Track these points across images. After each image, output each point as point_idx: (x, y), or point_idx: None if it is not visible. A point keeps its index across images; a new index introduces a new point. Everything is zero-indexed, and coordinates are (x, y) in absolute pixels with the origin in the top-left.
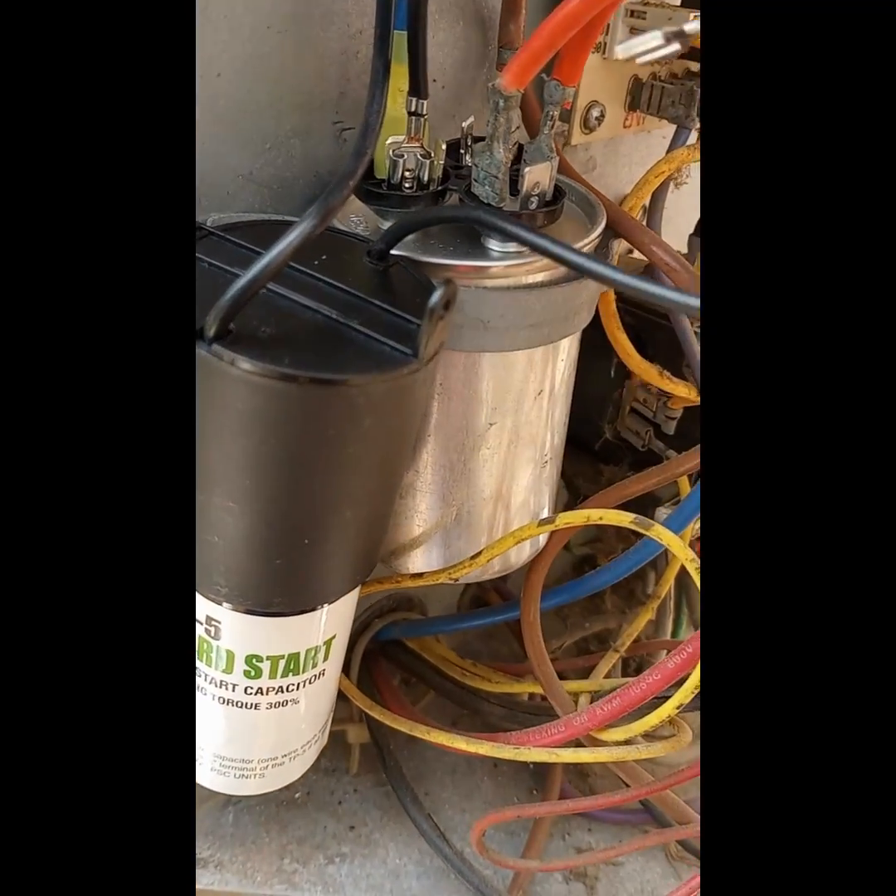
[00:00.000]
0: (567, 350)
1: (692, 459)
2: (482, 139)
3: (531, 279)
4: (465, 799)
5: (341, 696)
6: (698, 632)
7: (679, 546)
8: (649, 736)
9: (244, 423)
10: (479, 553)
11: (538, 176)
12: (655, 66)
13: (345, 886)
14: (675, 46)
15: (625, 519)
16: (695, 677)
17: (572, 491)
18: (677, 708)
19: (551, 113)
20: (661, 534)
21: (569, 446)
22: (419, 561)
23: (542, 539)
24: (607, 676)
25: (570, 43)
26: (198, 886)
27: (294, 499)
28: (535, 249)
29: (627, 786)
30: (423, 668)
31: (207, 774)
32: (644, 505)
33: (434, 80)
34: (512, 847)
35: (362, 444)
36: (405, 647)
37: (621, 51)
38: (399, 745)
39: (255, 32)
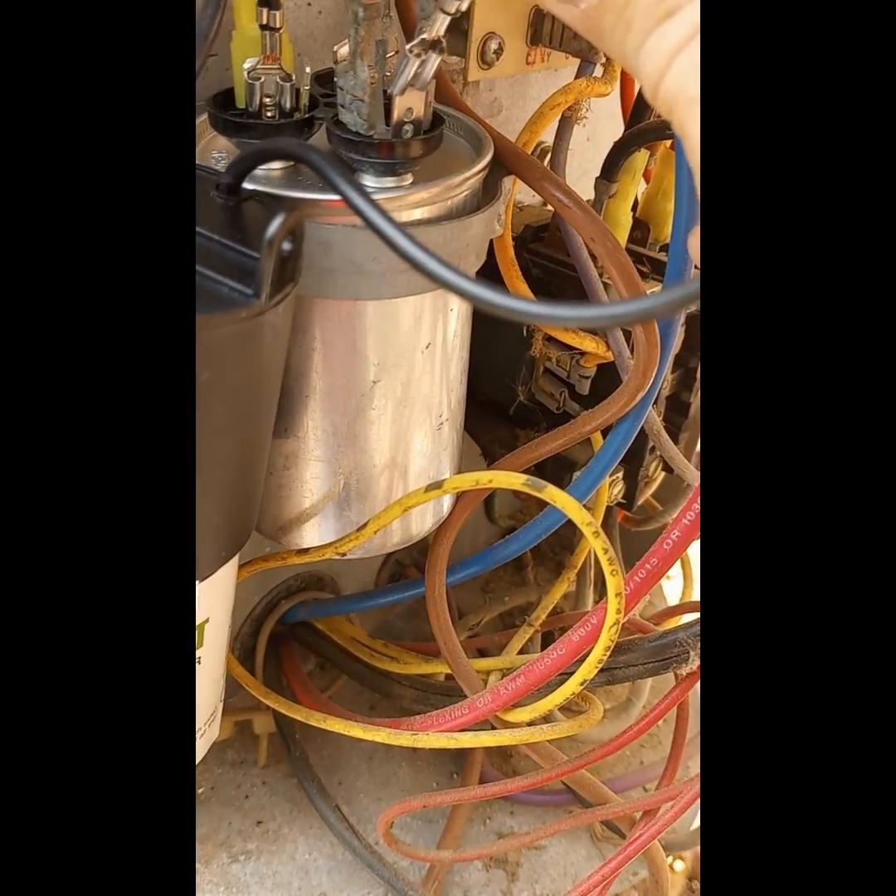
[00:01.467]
0: (457, 300)
1: (599, 416)
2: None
3: (408, 216)
4: (382, 787)
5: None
6: (603, 601)
7: (574, 508)
8: (566, 711)
9: None
10: (366, 525)
11: (409, 101)
12: None
13: (250, 885)
14: None
15: (516, 481)
16: (598, 650)
17: (489, 457)
18: (581, 684)
19: (423, 29)
20: (554, 496)
21: (484, 411)
22: (311, 535)
23: (447, 508)
24: (523, 652)
25: None
26: None
27: None
28: (349, 206)
29: (542, 767)
30: (333, 651)
31: None
32: (561, 471)
33: (309, 4)
34: (431, 834)
35: (208, 395)
36: (316, 630)
37: None
38: (312, 733)
39: None
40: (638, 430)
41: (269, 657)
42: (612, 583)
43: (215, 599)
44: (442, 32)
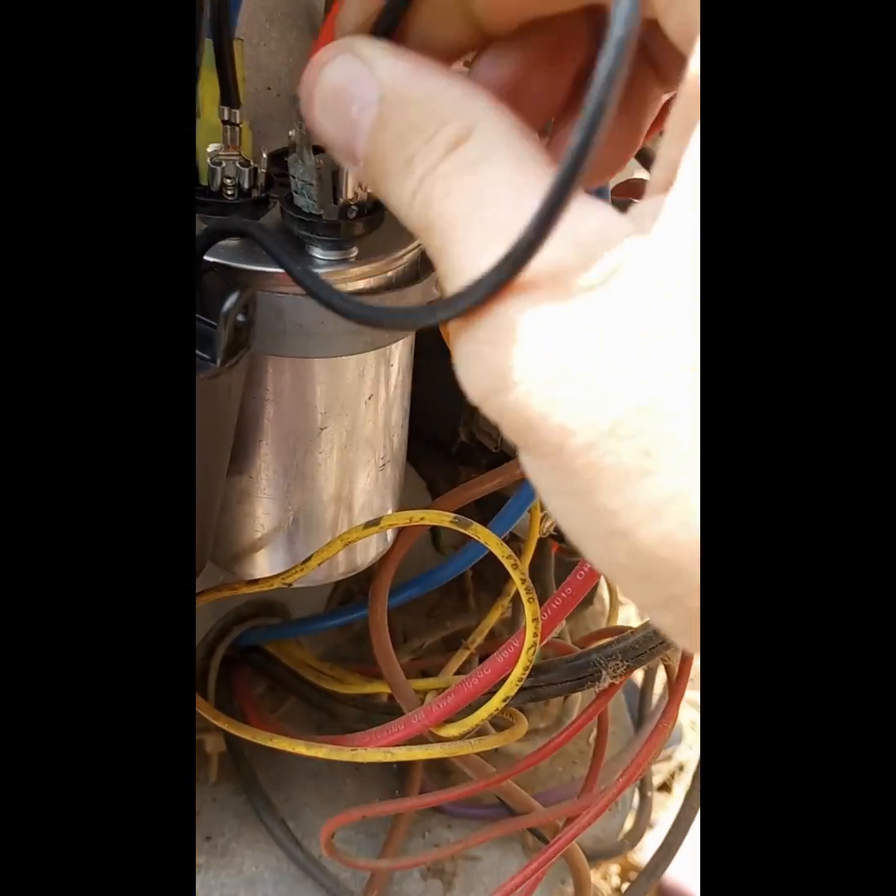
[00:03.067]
0: (398, 355)
1: None
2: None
3: (352, 286)
4: (327, 803)
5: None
6: (523, 628)
7: (495, 543)
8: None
9: None
10: (310, 558)
11: (355, 184)
12: None
13: None
14: None
15: (444, 519)
16: (518, 670)
17: (433, 492)
18: (504, 700)
19: None
20: (477, 532)
21: (429, 449)
22: (262, 566)
23: (390, 539)
24: (461, 673)
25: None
26: None
27: None
28: (293, 275)
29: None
30: (282, 674)
31: None
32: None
33: (268, 88)
34: (373, 848)
35: None
36: (267, 653)
37: None
38: (261, 752)
39: None
40: None
41: (221, 680)
42: (529, 609)
43: None
44: None
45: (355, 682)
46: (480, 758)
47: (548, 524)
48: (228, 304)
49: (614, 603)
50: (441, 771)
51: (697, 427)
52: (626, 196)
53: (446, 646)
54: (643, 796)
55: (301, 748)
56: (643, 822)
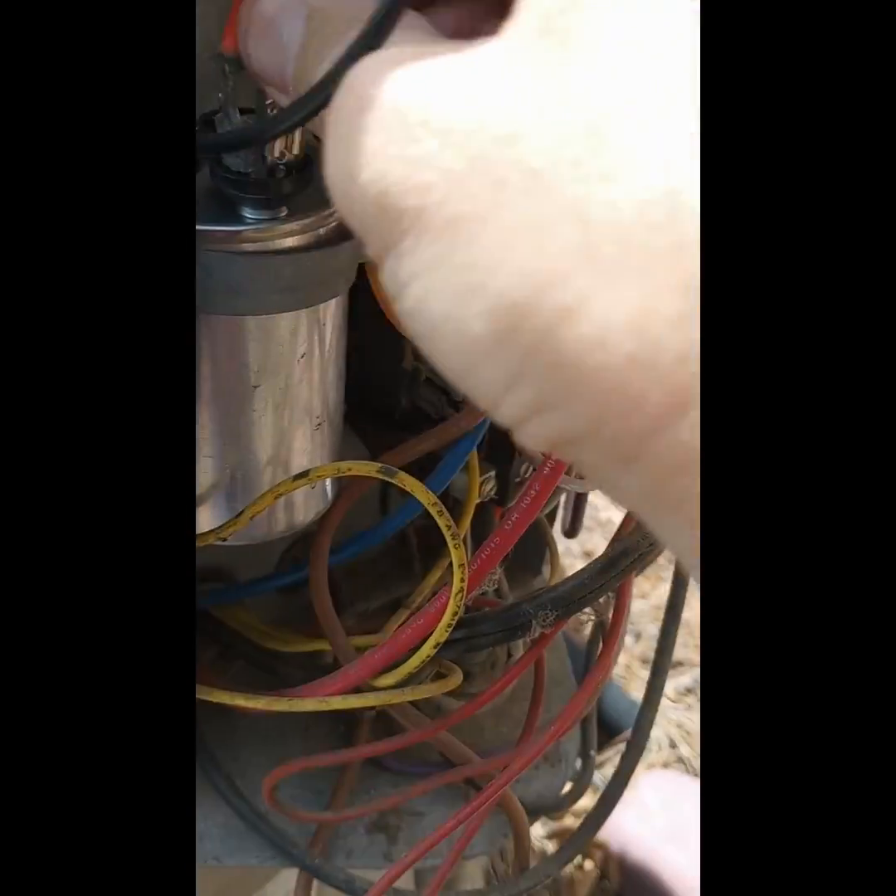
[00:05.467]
0: (332, 314)
1: (462, 423)
2: (249, 110)
3: (281, 244)
4: (275, 762)
5: None
6: (463, 571)
7: (420, 490)
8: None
9: None
10: (242, 511)
11: (282, 143)
12: None
13: None
14: None
15: (371, 468)
16: (447, 616)
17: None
18: (435, 647)
19: None
20: (403, 480)
21: (373, 418)
22: (203, 522)
23: (329, 497)
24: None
25: None
26: None
27: None
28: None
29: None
30: (228, 636)
31: None
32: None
33: (202, 53)
34: (319, 804)
35: None
36: (214, 618)
37: None
38: (209, 712)
39: None
40: (482, 434)
41: None
42: (456, 555)
43: None
44: None
45: (299, 642)
46: (419, 711)
47: (488, 488)
48: None
49: (555, 564)
50: (387, 731)
51: (552, 148)
52: None
53: (392, 609)
54: (585, 756)
55: (240, 700)
56: (585, 780)
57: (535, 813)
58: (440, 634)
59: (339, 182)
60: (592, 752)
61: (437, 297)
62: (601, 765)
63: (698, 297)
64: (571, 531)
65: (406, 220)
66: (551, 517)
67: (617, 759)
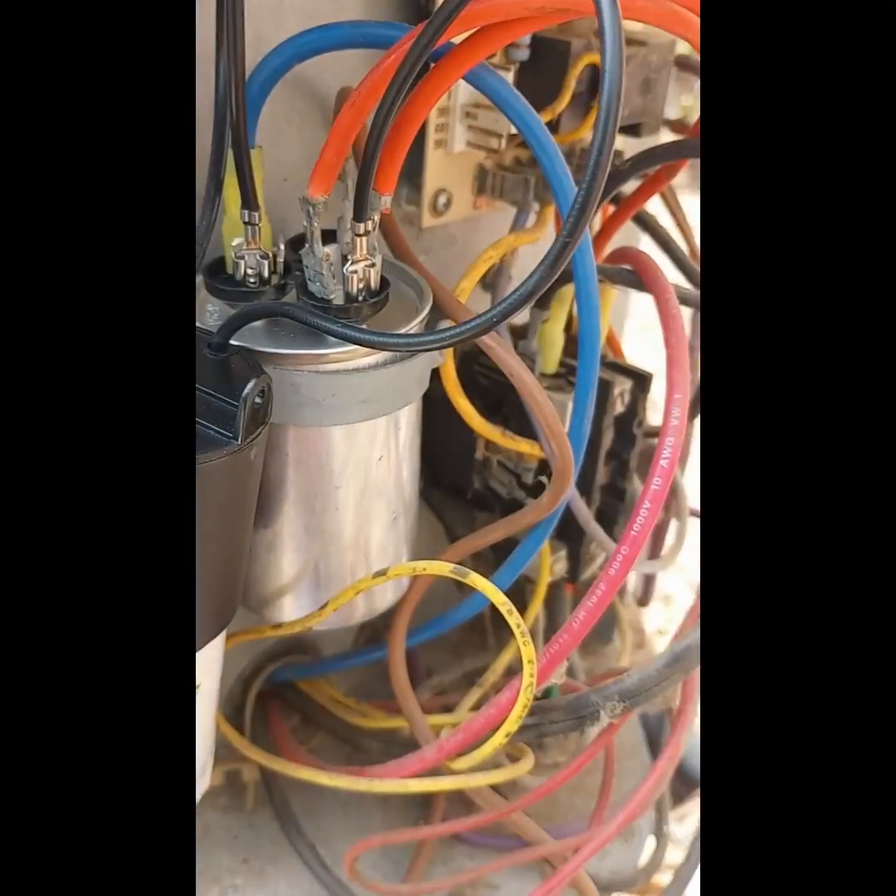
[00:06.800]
0: (406, 419)
1: (534, 514)
2: (331, 234)
3: (360, 363)
4: (355, 832)
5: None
6: (522, 672)
7: (492, 591)
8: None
9: None
10: (325, 605)
11: (360, 272)
12: (496, 155)
13: None
14: None
15: (444, 568)
16: (517, 708)
17: (451, 536)
18: (506, 736)
19: (372, 217)
20: (475, 581)
21: (447, 497)
22: (288, 610)
23: (405, 584)
24: (474, 709)
25: (382, 157)
26: None
27: None
28: (332, 335)
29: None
30: (312, 709)
31: None
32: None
33: (285, 179)
34: (397, 875)
35: (200, 512)
36: (298, 689)
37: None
38: (294, 781)
39: None
40: (554, 525)
41: (257, 713)
42: (525, 652)
43: (206, 668)
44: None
45: (378, 717)
46: (495, 792)
47: (559, 567)
48: (247, 389)
49: (624, 644)
50: (462, 803)
51: None
52: (619, 263)
53: (467, 681)
54: (659, 834)
55: (324, 778)
56: (659, 855)
57: (607, 890)
58: (511, 725)
59: None
60: (666, 828)
61: None
62: (683, 818)
63: None
64: (643, 600)
65: None
66: (621, 589)
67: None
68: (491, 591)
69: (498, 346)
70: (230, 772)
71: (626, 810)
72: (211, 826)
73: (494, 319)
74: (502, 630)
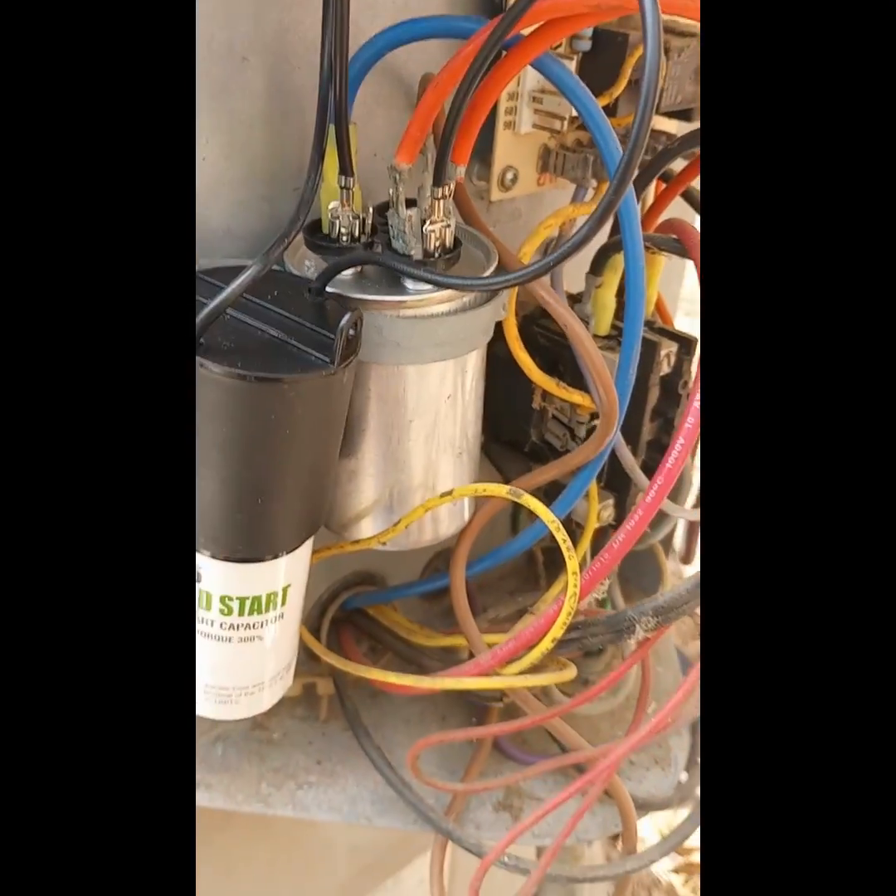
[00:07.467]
0: (472, 363)
1: (582, 455)
2: (412, 201)
3: (435, 310)
4: (416, 740)
5: (312, 654)
6: (576, 577)
7: (542, 510)
8: None
9: (211, 410)
10: (399, 521)
11: (437, 231)
12: (558, 136)
13: (310, 807)
14: None
15: (503, 490)
16: (563, 615)
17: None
18: (553, 641)
19: (449, 184)
20: (528, 501)
21: (505, 450)
22: (365, 531)
23: (467, 516)
24: None
25: (459, 132)
26: None
27: (248, 468)
28: (416, 278)
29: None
30: (379, 632)
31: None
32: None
33: (375, 155)
34: (454, 781)
35: (296, 427)
36: (368, 616)
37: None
38: (363, 697)
39: (234, 125)
40: (600, 466)
41: (331, 636)
42: (570, 564)
43: (297, 569)
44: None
45: (439, 638)
46: (539, 702)
47: (607, 514)
48: (344, 321)
49: (667, 586)
50: (513, 719)
51: None
52: (667, 232)
53: (519, 617)
54: (693, 764)
55: (392, 678)
56: (692, 783)
57: (644, 808)
58: (557, 631)
59: None
60: (699, 760)
61: None
62: None
63: None
64: (687, 558)
65: None
66: (667, 546)
67: None
68: (541, 510)
69: (554, 301)
70: (307, 684)
71: (658, 717)
72: (289, 731)
73: (550, 263)
74: (553, 574)
